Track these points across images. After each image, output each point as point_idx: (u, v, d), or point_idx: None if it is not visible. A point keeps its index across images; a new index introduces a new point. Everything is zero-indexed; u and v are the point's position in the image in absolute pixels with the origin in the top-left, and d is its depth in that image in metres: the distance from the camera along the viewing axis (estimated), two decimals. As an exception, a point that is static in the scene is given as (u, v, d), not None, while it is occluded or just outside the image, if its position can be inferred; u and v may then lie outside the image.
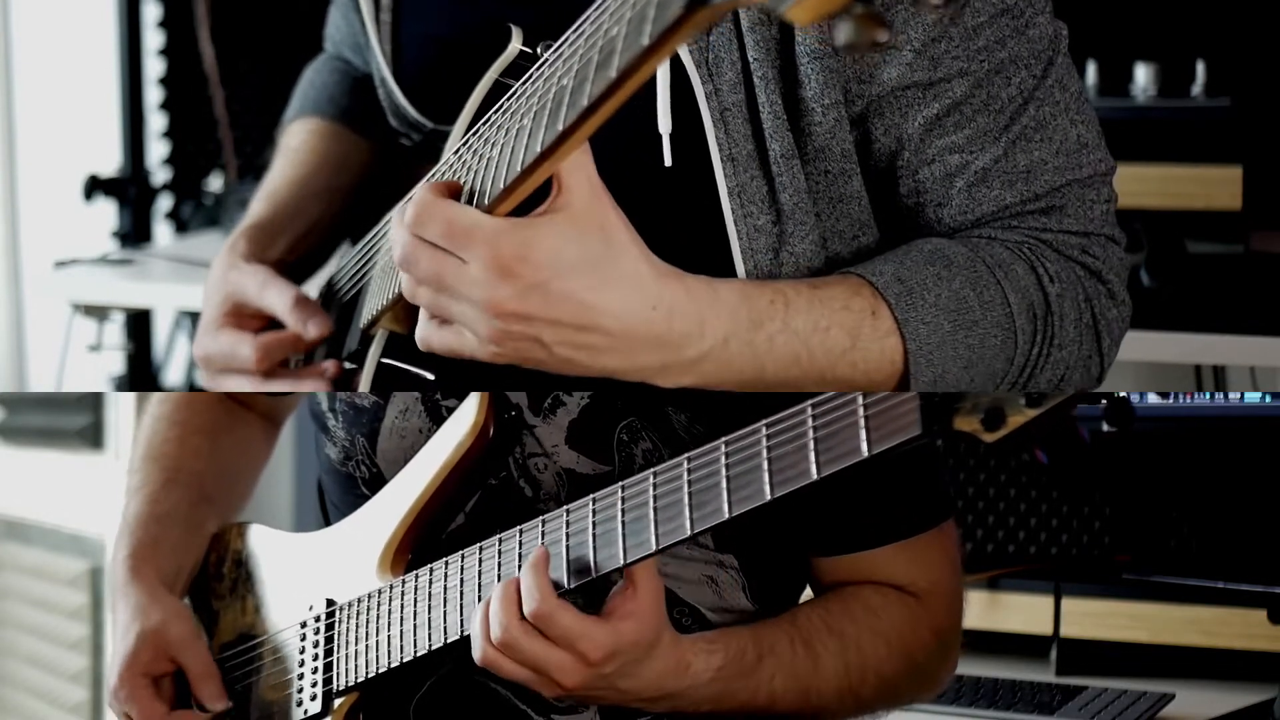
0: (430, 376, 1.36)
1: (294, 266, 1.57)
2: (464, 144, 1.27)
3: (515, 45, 1.33)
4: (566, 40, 1.14)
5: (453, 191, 1.21)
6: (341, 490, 1.42)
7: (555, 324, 1.16)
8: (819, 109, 1.28)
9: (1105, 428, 1.03)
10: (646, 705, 1.25)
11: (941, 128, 1.30)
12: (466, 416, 1.31)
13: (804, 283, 1.27)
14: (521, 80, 1.21)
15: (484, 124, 1.25)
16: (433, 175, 1.33)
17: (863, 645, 1.31)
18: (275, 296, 1.45)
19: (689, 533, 1.16)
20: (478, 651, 1.22)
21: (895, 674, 1.34)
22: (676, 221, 1.29)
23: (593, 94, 1.06)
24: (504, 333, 1.16)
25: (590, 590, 1.22)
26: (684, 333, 1.20)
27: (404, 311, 1.36)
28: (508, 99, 1.23)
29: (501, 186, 1.17)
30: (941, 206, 1.33)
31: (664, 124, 1.29)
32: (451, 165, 1.29)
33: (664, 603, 1.21)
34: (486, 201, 1.18)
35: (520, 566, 1.22)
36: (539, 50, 1.29)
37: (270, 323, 1.47)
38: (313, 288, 1.57)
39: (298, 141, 1.67)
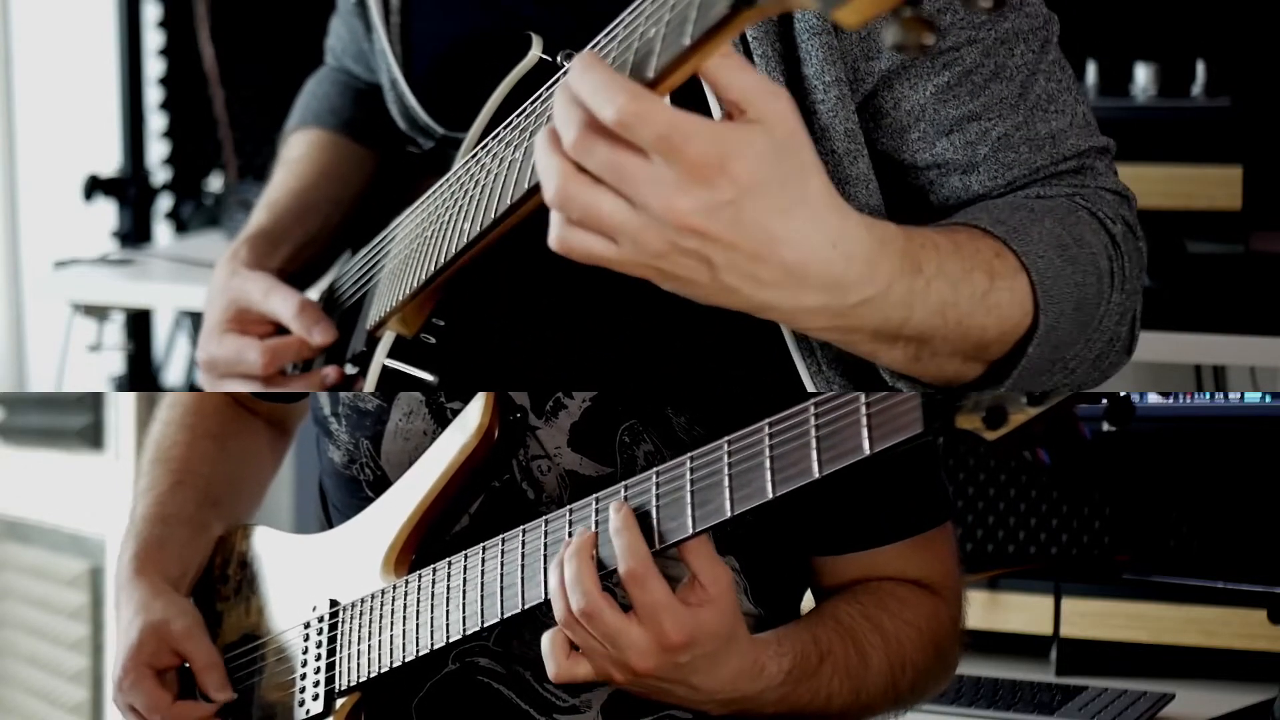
0: (433, 379, 1.36)
1: (295, 276, 1.57)
2: (482, 148, 1.26)
3: (535, 53, 1.30)
4: (596, 45, 1.10)
5: None
6: (345, 493, 1.42)
7: (732, 248, 1.02)
8: (820, 86, 1.25)
9: (1105, 427, 1.02)
10: (716, 708, 1.21)
11: (956, 96, 1.28)
12: (472, 419, 1.31)
13: (932, 228, 1.21)
14: (546, 86, 1.19)
15: (503, 128, 1.23)
16: (442, 185, 1.32)
17: (901, 638, 1.31)
18: (280, 302, 1.45)
19: (691, 531, 1.15)
20: (559, 611, 1.17)
21: (927, 665, 1.33)
22: None
23: None
24: (674, 247, 1.02)
25: None
26: (858, 276, 1.09)
27: (411, 313, 1.36)
28: (530, 104, 1.21)
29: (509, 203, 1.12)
30: (968, 174, 1.30)
31: None
32: (470, 170, 1.27)
33: (735, 596, 1.17)
34: None
35: (524, 566, 1.22)
36: (559, 59, 1.27)
37: (274, 329, 1.47)
38: (312, 296, 1.56)
39: (299, 152, 1.67)
